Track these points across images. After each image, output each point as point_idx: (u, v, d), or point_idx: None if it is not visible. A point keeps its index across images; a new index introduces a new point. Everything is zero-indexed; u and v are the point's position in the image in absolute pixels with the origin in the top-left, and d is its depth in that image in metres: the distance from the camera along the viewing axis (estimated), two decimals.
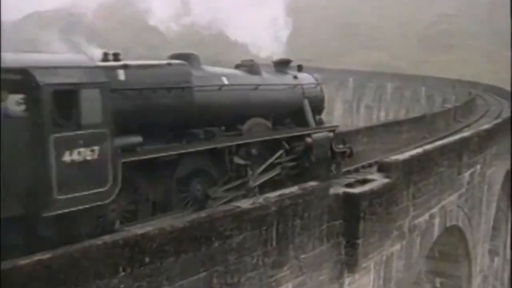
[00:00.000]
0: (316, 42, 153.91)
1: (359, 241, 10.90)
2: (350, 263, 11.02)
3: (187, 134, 11.41)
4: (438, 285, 21.51)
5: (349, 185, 11.36)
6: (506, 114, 26.05)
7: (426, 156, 14.66)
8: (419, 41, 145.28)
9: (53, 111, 8.13)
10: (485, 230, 22.20)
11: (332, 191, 10.59)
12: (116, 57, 10.71)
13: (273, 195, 9.30)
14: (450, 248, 20.00)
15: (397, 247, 13.38)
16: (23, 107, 8.22)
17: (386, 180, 11.97)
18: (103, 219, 9.30)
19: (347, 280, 11.20)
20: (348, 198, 10.72)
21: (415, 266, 14.88)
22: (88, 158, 8.47)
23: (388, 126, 28.98)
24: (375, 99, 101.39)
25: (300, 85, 15.05)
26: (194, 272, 7.76)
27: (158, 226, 7.56)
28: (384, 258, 12.61)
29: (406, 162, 13.31)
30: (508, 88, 43.10)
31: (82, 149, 8.40)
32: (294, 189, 9.75)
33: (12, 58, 8.11)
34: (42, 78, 8.05)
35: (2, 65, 7.48)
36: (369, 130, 26.02)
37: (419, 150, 14.65)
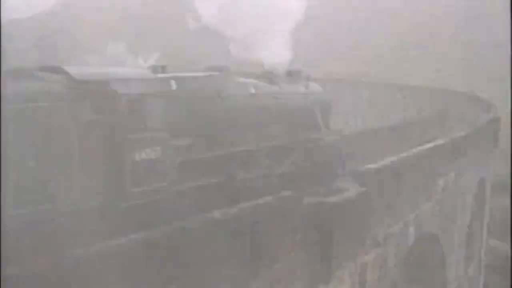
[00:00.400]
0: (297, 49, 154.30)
1: (333, 251, 10.96)
2: (324, 273, 11.06)
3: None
4: None
5: (323, 195, 11.43)
6: (479, 122, 26.31)
7: (400, 165, 14.79)
8: (392, 49, 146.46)
9: (126, 116, 9.73)
10: (459, 237, 22.41)
11: (306, 201, 10.65)
12: (163, 69, 11.97)
13: (247, 204, 9.33)
14: (425, 255, 20.15)
15: (371, 256, 13.47)
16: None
17: (360, 189, 12.05)
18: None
19: None
20: (322, 208, 10.77)
21: (390, 275, 14.98)
22: (152, 157, 10.10)
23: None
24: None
25: (312, 93, 16.23)
26: None
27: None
28: (358, 267, 12.69)
29: (380, 170, 13.41)
30: (483, 96, 43.61)
31: (147, 150, 10.06)
32: (268, 199, 9.78)
33: (91, 71, 10.21)
34: (119, 89, 9.76)
35: (83, 78, 9.57)
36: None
37: (394, 158, 14.73)
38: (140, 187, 9.87)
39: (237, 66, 15.69)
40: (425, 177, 16.96)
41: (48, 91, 9.15)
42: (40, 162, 8.59)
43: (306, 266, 10.70)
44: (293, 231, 10.22)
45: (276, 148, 14.08)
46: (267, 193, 10.53)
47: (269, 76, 15.11)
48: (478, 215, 30.92)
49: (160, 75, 11.65)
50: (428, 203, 17.52)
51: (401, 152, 15.81)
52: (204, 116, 11.99)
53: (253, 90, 13.92)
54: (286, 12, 15.22)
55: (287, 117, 14.80)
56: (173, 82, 11.52)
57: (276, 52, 15.21)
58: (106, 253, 7.27)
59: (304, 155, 14.81)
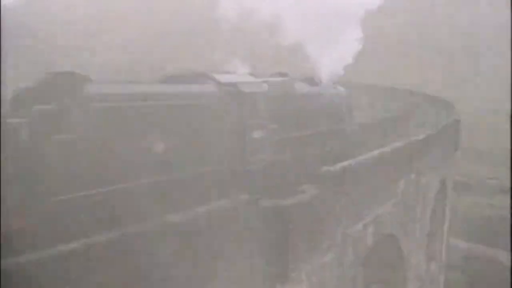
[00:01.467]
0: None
1: (289, 253, 11.10)
2: (280, 275, 11.19)
3: None
4: None
5: (280, 197, 11.58)
6: (440, 125, 26.90)
7: (359, 167, 15.00)
8: None
9: (249, 108, 14.82)
10: (420, 237, 22.78)
11: (262, 203, 10.76)
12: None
13: (202, 208, 9.40)
14: (386, 255, 20.45)
15: (329, 256, 13.64)
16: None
17: (316, 192, 12.21)
18: None
19: None
20: (278, 211, 10.90)
21: (348, 275, 15.18)
22: (260, 136, 15.19)
23: None
24: None
25: (338, 94, 21.82)
26: None
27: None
28: (316, 267, 12.84)
29: (337, 173, 13.59)
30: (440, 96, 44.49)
31: (258, 131, 15.02)
32: (224, 202, 9.87)
33: (225, 77, 15.16)
34: (244, 89, 14.87)
35: (224, 81, 14.79)
36: None
37: (352, 161, 14.94)
38: (254, 156, 14.75)
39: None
40: (385, 179, 17.22)
41: (205, 90, 14.18)
42: (201, 136, 13.12)
43: (262, 267, 10.81)
44: (250, 234, 10.33)
45: (323, 131, 19.40)
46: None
47: (311, 80, 20.33)
48: (440, 214, 31.43)
49: (259, 80, 16.76)
50: (388, 205, 17.79)
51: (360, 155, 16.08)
52: (284, 108, 16.87)
53: (306, 90, 19.15)
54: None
55: (325, 109, 19.88)
56: (265, 85, 16.40)
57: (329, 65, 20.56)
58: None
59: (335, 136, 20.41)
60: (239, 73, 17.41)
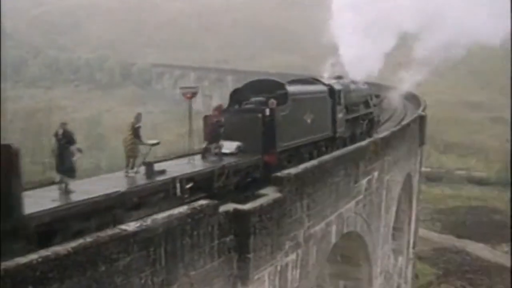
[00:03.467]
0: (232, 43, 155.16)
1: (250, 256, 11.34)
2: (242, 276, 11.45)
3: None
4: (341, 287, 22.35)
5: (240, 201, 11.81)
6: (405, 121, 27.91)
7: (320, 168, 15.29)
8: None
9: (337, 99, 23.43)
10: (384, 233, 23.25)
11: (222, 208, 10.98)
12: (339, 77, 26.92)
13: (161, 216, 9.56)
14: (351, 252, 20.89)
15: (292, 257, 13.93)
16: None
17: (277, 195, 12.48)
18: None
19: None
20: (238, 215, 11.14)
21: (312, 273, 15.49)
22: (341, 116, 23.99)
23: None
24: None
25: (368, 89, 30.47)
26: None
27: (42, 254, 7.69)
28: (278, 268, 13.12)
29: (299, 175, 13.86)
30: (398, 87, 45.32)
31: (340, 113, 23.75)
32: (183, 209, 10.05)
33: (323, 81, 24.18)
34: (335, 87, 23.65)
35: (328, 83, 24.00)
36: None
37: (314, 162, 15.23)
38: (339, 129, 23.49)
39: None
40: (347, 178, 17.55)
41: (319, 88, 23.00)
42: (320, 115, 21.87)
43: (224, 271, 11.03)
44: (210, 239, 10.53)
45: (363, 114, 28.16)
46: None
47: (354, 80, 27.93)
48: (406, 208, 31.96)
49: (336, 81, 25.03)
50: (351, 203, 18.14)
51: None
52: (348, 99, 25.28)
53: (353, 87, 27.05)
54: None
55: (363, 99, 28.66)
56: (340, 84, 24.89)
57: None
58: None
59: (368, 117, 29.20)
60: (327, 77, 26.38)
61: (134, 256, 8.88)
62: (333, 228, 16.67)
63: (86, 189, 12.33)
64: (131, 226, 9.01)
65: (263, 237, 11.81)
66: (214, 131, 17.83)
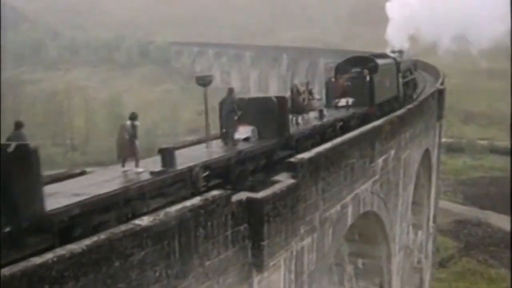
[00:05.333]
0: (248, 19, 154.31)
1: (264, 243, 11.44)
2: (257, 264, 11.58)
3: None
4: (360, 265, 22.49)
5: (254, 189, 11.91)
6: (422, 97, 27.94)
7: (334, 151, 15.31)
8: (350, 15, 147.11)
9: (399, 69, 30.35)
10: (402, 210, 23.23)
11: (235, 197, 11.08)
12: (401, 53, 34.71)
13: (174, 209, 9.68)
14: (369, 231, 20.94)
15: (308, 241, 14.05)
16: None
17: (290, 181, 12.53)
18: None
19: (256, 279, 11.77)
20: (251, 204, 11.23)
21: (328, 256, 15.62)
22: (402, 81, 31.06)
23: None
24: (308, 76, 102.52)
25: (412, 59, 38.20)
26: None
27: (57, 254, 7.85)
28: (294, 253, 13.24)
29: (312, 159, 13.90)
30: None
31: (401, 78, 30.80)
32: (195, 200, 10.16)
33: (390, 55, 32.26)
34: (398, 59, 30.79)
35: (391, 56, 31.79)
36: None
37: (328, 145, 15.23)
38: (400, 90, 30.34)
39: None
40: (363, 159, 17.54)
41: (390, 61, 29.61)
42: (392, 79, 29.07)
43: (238, 259, 11.17)
44: (223, 229, 10.65)
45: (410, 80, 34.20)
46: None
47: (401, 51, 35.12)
48: (425, 183, 31.85)
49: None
50: (367, 183, 18.15)
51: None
52: (404, 68, 31.99)
53: (405, 58, 34.26)
54: None
55: (408, 69, 34.63)
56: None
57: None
58: None
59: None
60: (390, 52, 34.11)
61: (148, 250, 9.02)
62: (349, 210, 16.72)
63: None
64: (144, 221, 9.14)
65: (277, 224, 11.90)
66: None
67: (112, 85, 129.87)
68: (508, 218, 57.34)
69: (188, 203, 10.05)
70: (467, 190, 68.45)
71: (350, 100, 24.64)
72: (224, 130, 17.40)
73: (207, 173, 13.77)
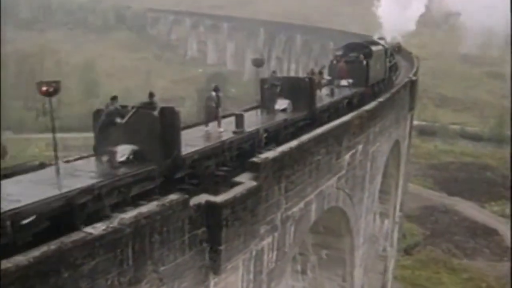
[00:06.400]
0: None
1: (222, 247, 11.31)
2: (214, 267, 11.46)
3: None
4: (324, 256, 22.55)
5: (214, 191, 11.74)
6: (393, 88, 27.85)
7: (300, 149, 15.13)
8: None
9: (387, 53, 34.68)
10: (368, 203, 23.28)
11: (193, 201, 10.88)
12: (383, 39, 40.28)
13: (129, 215, 9.46)
14: (333, 224, 20.95)
15: (268, 240, 13.94)
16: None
17: (251, 184, 12.34)
18: None
19: (212, 282, 11.66)
20: (210, 207, 11.05)
21: (289, 253, 15.57)
22: (388, 65, 34.55)
23: None
24: (285, 51, 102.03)
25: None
26: None
27: (3, 267, 7.60)
28: (253, 253, 13.13)
29: (276, 159, 13.72)
30: None
31: (387, 63, 34.65)
32: (152, 206, 9.94)
33: (379, 42, 35.90)
34: (386, 46, 35.57)
35: (380, 43, 35.68)
36: None
37: (294, 143, 15.02)
38: (386, 74, 34.17)
39: None
40: (329, 155, 17.42)
41: (380, 47, 33.16)
42: (380, 63, 32.46)
43: (195, 263, 11.03)
44: (180, 233, 10.47)
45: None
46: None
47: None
48: (394, 173, 31.98)
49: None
50: (332, 179, 18.07)
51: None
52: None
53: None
54: None
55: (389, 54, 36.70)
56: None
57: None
58: None
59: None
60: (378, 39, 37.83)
61: (100, 259, 8.81)
62: (313, 207, 16.66)
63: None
64: (97, 229, 8.91)
65: (236, 228, 11.76)
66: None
67: (86, 49, 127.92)
68: (475, 205, 58.36)
69: (144, 209, 9.83)
70: (437, 175, 69.19)
71: (350, 81, 28.71)
72: (265, 102, 21.64)
73: (265, 134, 17.30)
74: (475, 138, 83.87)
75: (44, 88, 12.49)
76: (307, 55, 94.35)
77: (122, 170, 12.40)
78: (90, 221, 9.85)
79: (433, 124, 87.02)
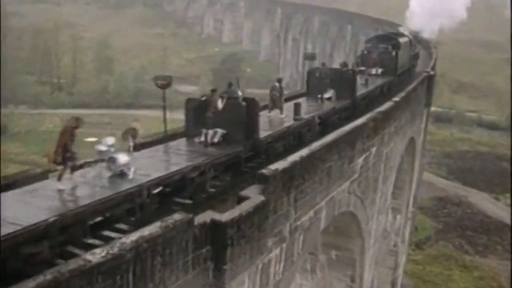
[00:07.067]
0: None
1: (227, 267, 10.98)
2: (218, 285, 11.14)
3: None
4: (333, 256, 22.24)
5: (219, 210, 11.39)
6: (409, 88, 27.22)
7: (311, 157, 14.68)
8: None
9: (411, 45, 39.28)
10: (380, 204, 22.86)
11: (198, 219, 10.52)
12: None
13: (130, 239, 9.13)
14: (344, 225, 20.56)
15: (275, 252, 13.58)
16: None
17: (259, 199, 11.92)
18: None
19: None
20: (215, 226, 10.70)
21: (297, 263, 15.22)
22: (412, 55, 39.44)
23: None
24: (302, 32, 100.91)
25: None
26: None
27: None
28: (260, 267, 12.80)
29: (286, 170, 13.30)
30: None
31: (412, 52, 39.07)
32: (154, 228, 9.59)
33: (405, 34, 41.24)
34: (410, 37, 39.97)
35: (405, 34, 40.79)
36: None
37: (304, 152, 14.54)
38: (410, 64, 37.94)
39: None
40: (341, 160, 16.97)
41: (405, 39, 36.90)
42: (406, 54, 36.64)
43: (199, 282, 10.71)
44: (184, 254, 10.14)
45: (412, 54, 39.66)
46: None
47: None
48: (408, 169, 31.51)
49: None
50: (344, 184, 17.64)
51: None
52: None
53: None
54: None
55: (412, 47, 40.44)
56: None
57: None
58: None
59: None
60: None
61: (98, 287, 8.53)
62: (323, 214, 16.26)
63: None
64: (96, 256, 8.58)
65: (241, 246, 11.39)
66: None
67: (102, 25, 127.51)
68: (489, 197, 57.67)
69: (146, 231, 9.46)
70: (452, 164, 68.45)
71: (380, 70, 31.84)
72: (312, 91, 24.29)
73: (319, 121, 19.93)
74: (492, 126, 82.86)
75: (160, 82, 16.02)
76: (324, 37, 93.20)
77: (217, 150, 15.31)
78: (195, 192, 13.40)
79: (449, 110, 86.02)
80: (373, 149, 19.98)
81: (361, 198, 19.71)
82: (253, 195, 12.11)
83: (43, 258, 9.64)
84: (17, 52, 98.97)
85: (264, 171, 12.79)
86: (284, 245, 14.00)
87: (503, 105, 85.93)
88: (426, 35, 49.29)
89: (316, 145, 15.31)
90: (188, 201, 13.00)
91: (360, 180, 19.09)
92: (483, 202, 55.41)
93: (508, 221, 49.13)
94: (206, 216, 10.87)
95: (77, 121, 11.92)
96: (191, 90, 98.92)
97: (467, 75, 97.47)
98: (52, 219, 9.91)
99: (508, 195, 57.49)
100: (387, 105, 21.60)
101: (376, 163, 20.78)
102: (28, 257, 9.50)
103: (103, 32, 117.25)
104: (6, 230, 9.21)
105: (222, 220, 10.80)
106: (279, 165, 13.31)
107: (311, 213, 15.38)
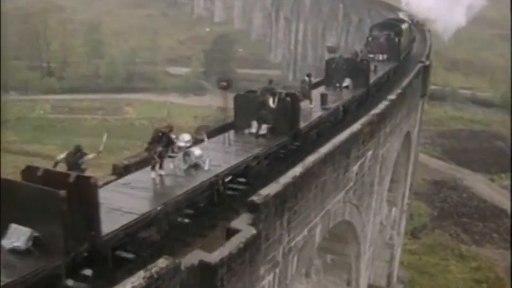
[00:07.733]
0: None
1: None
2: None
3: None
4: (329, 261, 21.77)
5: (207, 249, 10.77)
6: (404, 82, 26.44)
7: (305, 175, 13.99)
8: None
9: (412, 31, 43.88)
10: (376, 206, 22.34)
11: (186, 261, 9.88)
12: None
13: None
14: (339, 232, 19.99)
15: (268, 278, 13.00)
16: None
17: (250, 233, 11.24)
18: None
19: None
20: (203, 269, 10.07)
21: (291, 283, 14.65)
22: (412, 41, 44.61)
23: None
24: (293, 11, 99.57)
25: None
26: None
27: None
28: None
29: (279, 194, 12.63)
30: None
31: (411, 37, 43.29)
32: (138, 279, 8.95)
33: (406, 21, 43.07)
34: (402, 27, 37.15)
35: (407, 21, 43.51)
36: None
37: (297, 170, 13.82)
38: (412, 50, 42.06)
39: None
40: (335, 172, 16.32)
41: (408, 26, 40.07)
42: (406, 41, 39.22)
43: None
44: None
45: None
46: None
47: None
48: (403, 162, 30.97)
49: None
50: (339, 195, 17.03)
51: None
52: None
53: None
54: None
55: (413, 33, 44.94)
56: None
57: None
58: None
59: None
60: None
61: None
62: (317, 230, 15.67)
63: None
64: None
65: (232, 285, 10.80)
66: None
67: (91, 7, 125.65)
68: (484, 179, 57.29)
69: (128, 284, 8.84)
70: (446, 144, 68.00)
71: (385, 56, 33.77)
72: (331, 80, 26.28)
73: (342, 109, 22.47)
74: (486, 104, 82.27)
75: (223, 83, 20.26)
76: (316, 17, 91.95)
77: (267, 141, 17.61)
78: (256, 177, 15.80)
79: (444, 88, 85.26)
80: (369, 153, 19.35)
81: (357, 205, 19.13)
82: (244, 227, 11.45)
83: (153, 240, 11.60)
84: (4, 37, 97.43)
85: (255, 198, 12.08)
86: (277, 269, 13.41)
87: (496, 82, 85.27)
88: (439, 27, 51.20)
89: (309, 160, 14.59)
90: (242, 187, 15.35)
91: (355, 188, 18.48)
92: (479, 184, 54.96)
93: (503, 206, 48.81)
94: (193, 257, 10.23)
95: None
96: (183, 72, 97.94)
97: (461, 51, 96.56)
98: (159, 208, 11.95)
99: (503, 175, 57.19)
100: (382, 105, 20.83)
101: (372, 167, 20.17)
102: (142, 240, 11.35)
103: (93, 14, 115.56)
104: (129, 218, 11.23)
105: (211, 262, 10.16)
106: (271, 189, 12.61)
107: (305, 231, 14.77)
